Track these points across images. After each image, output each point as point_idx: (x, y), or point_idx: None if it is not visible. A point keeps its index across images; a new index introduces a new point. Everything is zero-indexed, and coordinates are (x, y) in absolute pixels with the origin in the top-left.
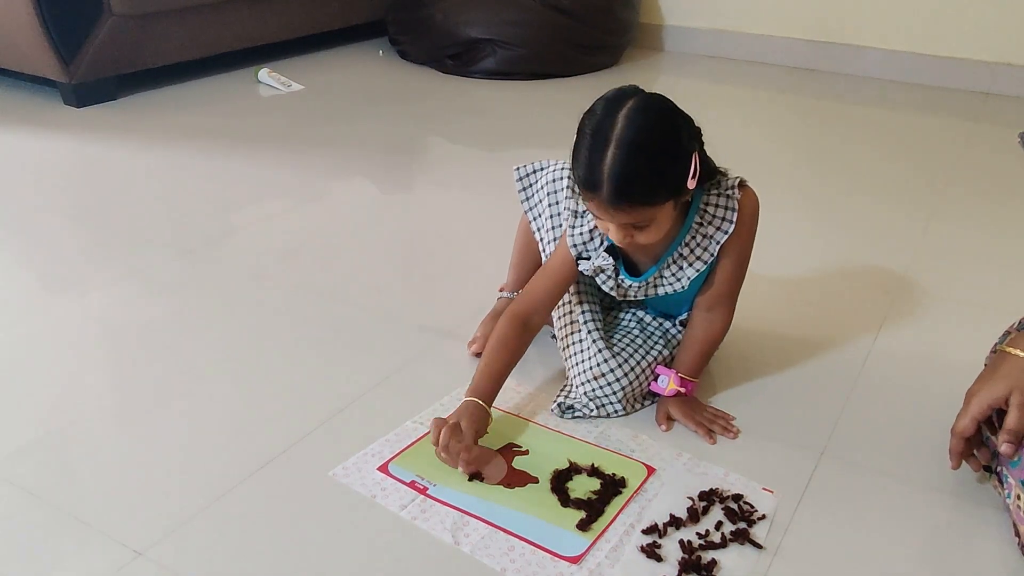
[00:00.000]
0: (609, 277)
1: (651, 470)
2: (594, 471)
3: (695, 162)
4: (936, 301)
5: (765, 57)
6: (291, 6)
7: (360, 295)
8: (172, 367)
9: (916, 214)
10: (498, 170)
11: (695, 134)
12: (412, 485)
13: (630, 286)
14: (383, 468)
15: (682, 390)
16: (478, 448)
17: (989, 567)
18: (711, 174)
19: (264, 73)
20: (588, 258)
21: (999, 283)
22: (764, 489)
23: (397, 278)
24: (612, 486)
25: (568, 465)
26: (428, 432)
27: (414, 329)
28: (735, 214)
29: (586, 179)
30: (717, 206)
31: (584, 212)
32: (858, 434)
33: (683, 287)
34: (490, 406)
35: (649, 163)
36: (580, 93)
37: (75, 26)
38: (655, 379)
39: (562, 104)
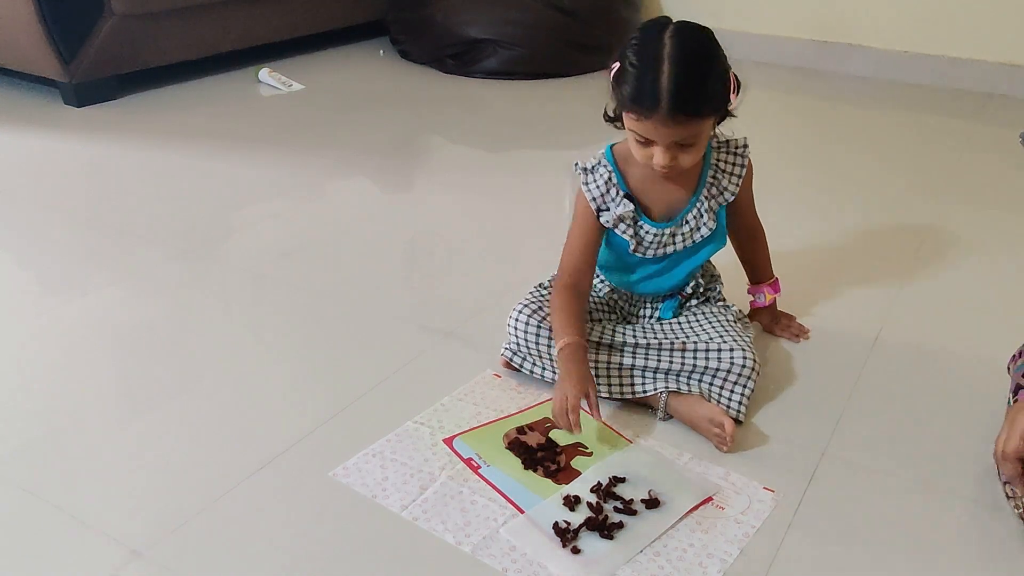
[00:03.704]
0: (628, 226)
1: (708, 499)
2: (645, 485)
3: (733, 78)
4: (937, 301)
5: (766, 57)
6: (291, 6)
7: (360, 295)
8: (172, 367)
9: (917, 215)
10: (499, 170)
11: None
12: (468, 462)
13: (651, 233)
14: (448, 441)
15: (777, 293)
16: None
17: (991, 566)
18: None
19: (264, 73)
20: (607, 209)
21: (1000, 284)
22: (765, 489)
23: (397, 278)
24: (652, 503)
25: (621, 479)
26: (497, 419)
27: (414, 329)
28: (744, 169)
29: (642, 98)
30: (727, 162)
31: (595, 167)
32: (859, 434)
33: (709, 231)
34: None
35: (703, 74)
36: (581, 93)
37: (76, 26)
38: (752, 298)
39: (563, 104)
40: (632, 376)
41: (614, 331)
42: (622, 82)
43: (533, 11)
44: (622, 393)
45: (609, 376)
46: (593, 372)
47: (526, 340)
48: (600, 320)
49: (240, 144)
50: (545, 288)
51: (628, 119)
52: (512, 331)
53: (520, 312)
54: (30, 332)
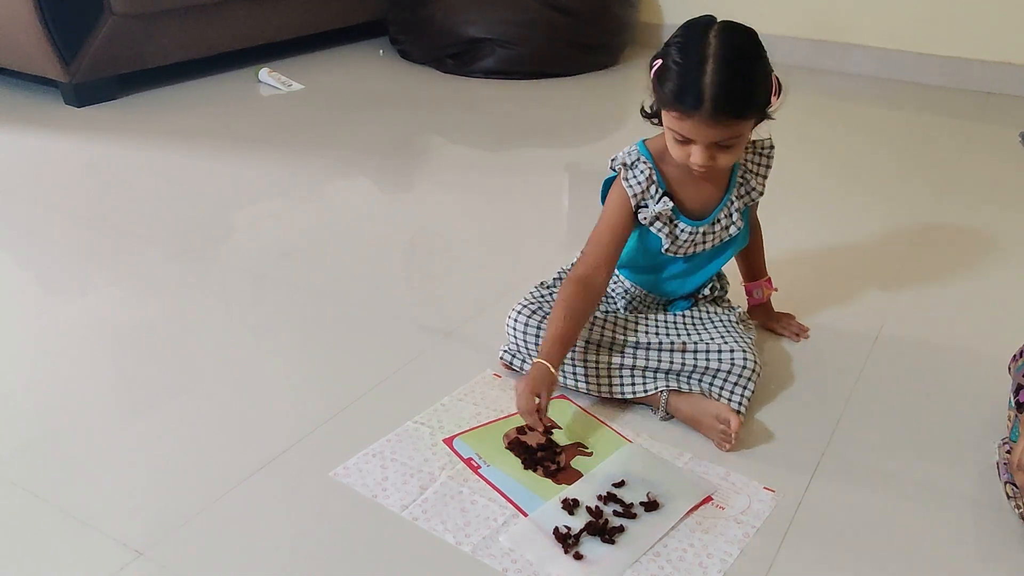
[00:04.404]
0: (664, 224)
1: (708, 499)
2: (645, 486)
3: (775, 81)
4: (937, 301)
5: None
6: (291, 6)
7: (360, 295)
8: (172, 367)
9: (916, 214)
10: (499, 170)
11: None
12: (468, 462)
13: (686, 232)
14: (448, 441)
15: (775, 289)
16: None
17: (991, 566)
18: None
19: (264, 73)
20: (646, 206)
21: (1000, 283)
22: (765, 488)
23: (397, 278)
24: (651, 505)
25: (620, 481)
26: (497, 419)
27: (414, 329)
28: (769, 170)
29: (685, 97)
30: (754, 162)
31: (635, 163)
32: (859, 434)
33: (738, 229)
34: (557, 369)
35: (748, 76)
36: (580, 92)
37: (76, 26)
38: (749, 295)
39: (562, 103)
40: (632, 376)
41: (614, 330)
42: (664, 79)
43: (532, 11)
44: (623, 393)
45: (610, 376)
46: (593, 372)
47: (525, 341)
48: (605, 312)
49: (240, 144)
50: (546, 287)
51: (668, 117)
52: (511, 332)
53: (519, 313)
54: (30, 332)
